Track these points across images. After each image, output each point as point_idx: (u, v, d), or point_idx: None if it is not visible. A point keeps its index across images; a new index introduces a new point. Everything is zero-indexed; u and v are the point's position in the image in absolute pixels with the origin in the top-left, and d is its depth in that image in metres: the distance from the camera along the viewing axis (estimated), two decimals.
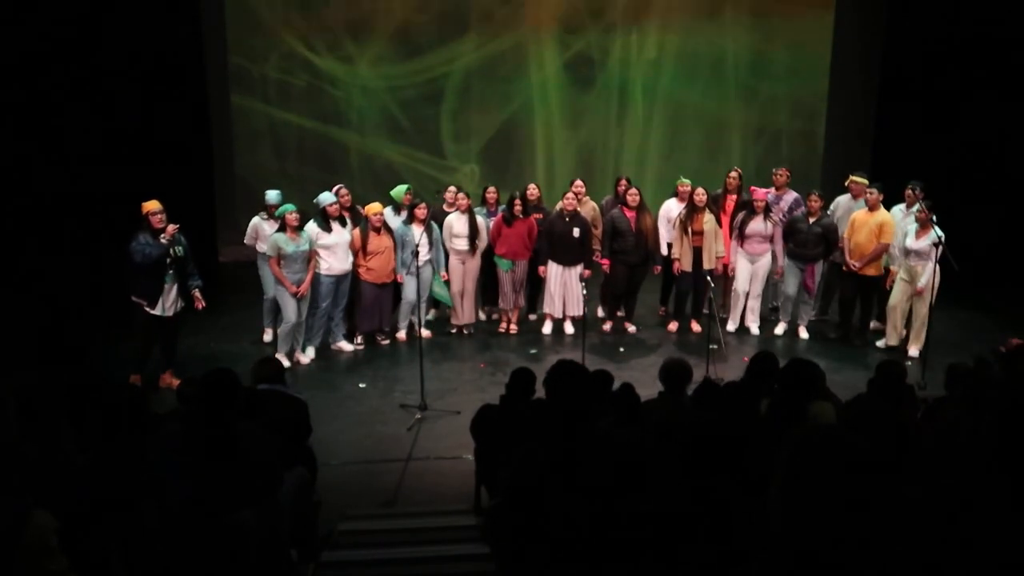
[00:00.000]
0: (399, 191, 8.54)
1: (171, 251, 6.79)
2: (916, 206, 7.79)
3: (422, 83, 11.61)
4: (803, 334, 8.50)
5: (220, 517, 3.32)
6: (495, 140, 11.88)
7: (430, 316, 8.75)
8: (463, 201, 8.28)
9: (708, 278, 7.93)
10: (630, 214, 8.29)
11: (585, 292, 7.61)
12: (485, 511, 4.65)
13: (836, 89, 11.65)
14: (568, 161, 11.92)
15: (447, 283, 8.35)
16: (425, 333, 8.02)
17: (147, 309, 6.79)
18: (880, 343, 8.08)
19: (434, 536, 4.63)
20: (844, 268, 8.15)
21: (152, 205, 6.78)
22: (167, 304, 6.86)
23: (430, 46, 11.50)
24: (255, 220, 8.27)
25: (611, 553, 2.85)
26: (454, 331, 8.59)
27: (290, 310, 7.55)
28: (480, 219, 8.41)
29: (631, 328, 8.68)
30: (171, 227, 6.75)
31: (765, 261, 8.39)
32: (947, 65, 10.17)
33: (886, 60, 10.94)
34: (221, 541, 3.30)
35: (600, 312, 8.93)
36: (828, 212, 8.44)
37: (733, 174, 8.76)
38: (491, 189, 8.77)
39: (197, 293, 7.04)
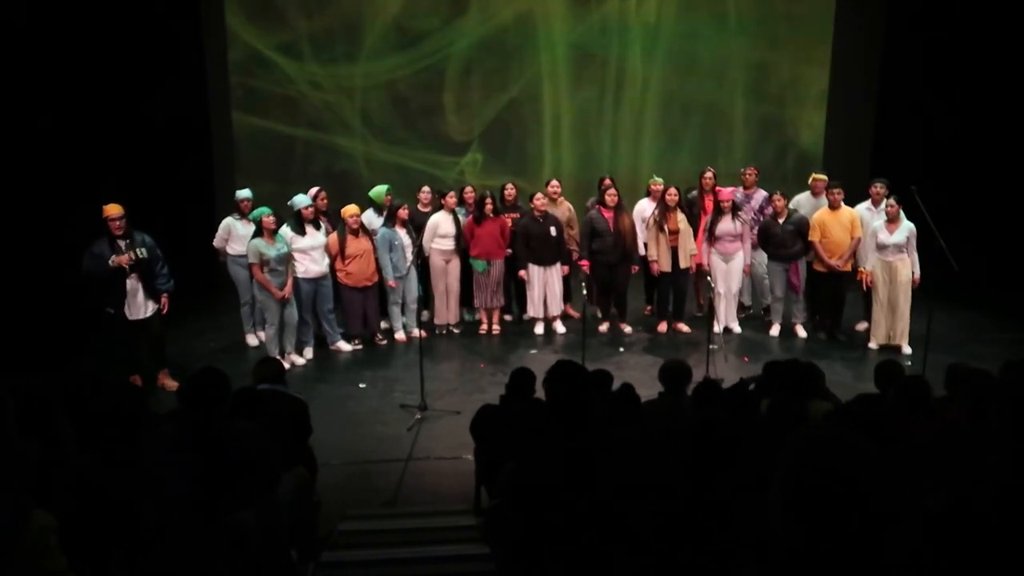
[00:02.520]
0: (379, 192, 8.49)
1: (134, 253, 6.64)
2: (883, 203, 7.85)
3: (421, 71, 11.41)
4: (800, 332, 8.51)
5: (219, 517, 3.32)
6: (500, 125, 11.69)
7: (424, 317, 8.75)
8: (450, 200, 8.30)
9: (708, 278, 7.96)
10: (608, 214, 8.31)
11: (585, 292, 7.63)
12: (485, 511, 4.65)
13: (837, 88, 11.64)
14: (573, 146, 11.80)
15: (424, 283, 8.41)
16: (424, 333, 8.02)
17: (119, 314, 6.69)
18: (872, 345, 8.09)
19: (434, 536, 4.63)
20: (815, 267, 8.19)
21: (112, 210, 6.57)
22: (135, 308, 6.76)
23: (428, 32, 11.33)
24: (227, 220, 8.11)
25: (611, 553, 2.85)
26: (444, 332, 8.61)
27: (273, 314, 7.52)
28: (461, 218, 8.45)
29: (627, 328, 8.68)
30: (123, 258, 6.57)
31: (739, 259, 8.43)
32: (948, 63, 10.17)
33: (887, 58, 10.95)
34: (221, 541, 3.30)
35: (598, 313, 8.94)
36: (792, 209, 8.50)
37: (708, 174, 8.77)
38: (468, 189, 8.76)
39: (164, 299, 6.89)
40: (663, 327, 8.70)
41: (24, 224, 8.07)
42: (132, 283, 6.72)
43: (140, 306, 6.80)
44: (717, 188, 8.57)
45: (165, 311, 6.94)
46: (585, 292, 7.70)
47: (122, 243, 6.63)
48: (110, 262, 6.55)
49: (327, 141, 11.69)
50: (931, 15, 10.25)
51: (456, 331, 8.66)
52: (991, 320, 9.02)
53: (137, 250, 6.69)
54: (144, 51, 9.26)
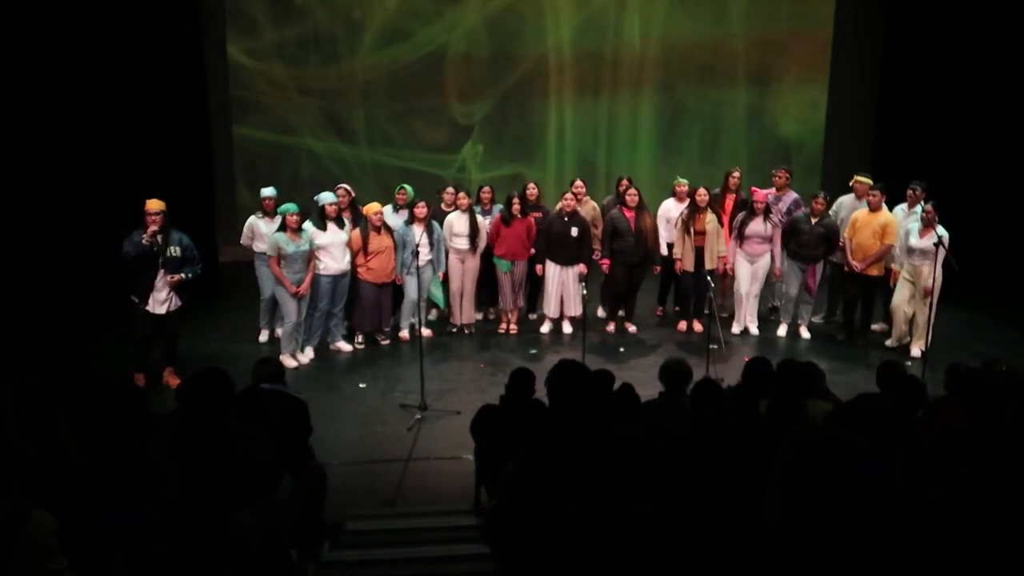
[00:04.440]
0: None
1: (167, 251, 6.75)
2: (918, 206, 7.80)
3: (418, 64, 11.41)
4: (804, 334, 8.50)
5: (219, 517, 3.32)
6: (500, 116, 11.68)
7: (432, 316, 8.76)
8: (464, 200, 8.28)
9: (708, 278, 7.95)
10: (629, 214, 8.29)
11: (585, 292, 7.62)
12: (485, 511, 4.65)
13: (837, 89, 11.65)
14: (577, 139, 11.80)
15: (444, 284, 8.35)
16: (426, 333, 8.02)
17: (142, 306, 6.80)
18: (889, 342, 8.10)
19: (434, 536, 4.64)
20: (845, 268, 8.15)
21: (150, 205, 6.73)
22: (159, 302, 6.83)
23: (424, 26, 11.34)
24: (251, 219, 8.25)
25: (611, 554, 2.85)
26: (454, 330, 8.59)
27: (291, 310, 7.54)
28: (479, 218, 8.42)
29: (631, 328, 8.68)
30: (149, 230, 6.67)
31: (764, 261, 8.39)
32: (948, 63, 10.17)
33: (887, 58, 10.95)
34: (221, 541, 3.30)
35: (600, 312, 8.93)
36: (831, 213, 8.44)
37: (736, 173, 8.76)
38: (486, 189, 8.75)
39: (179, 276, 6.82)
40: (684, 326, 8.70)
41: (23, 225, 8.08)
42: (160, 280, 6.81)
43: (165, 301, 6.86)
44: (753, 189, 8.58)
45: (175, 281, 6.84)
46: (585, 292, 7.67)
47: (158, 238, 6.73)
48: (143, 240, 6.67)
49: (325, 144, 11.71)
50: (932, 14, 10.25)
51: (467, 332, 8.62)
52: (991, 320, 9.02)
53: (171, 248, 6.79)
54: (145, 59, 9.29)
